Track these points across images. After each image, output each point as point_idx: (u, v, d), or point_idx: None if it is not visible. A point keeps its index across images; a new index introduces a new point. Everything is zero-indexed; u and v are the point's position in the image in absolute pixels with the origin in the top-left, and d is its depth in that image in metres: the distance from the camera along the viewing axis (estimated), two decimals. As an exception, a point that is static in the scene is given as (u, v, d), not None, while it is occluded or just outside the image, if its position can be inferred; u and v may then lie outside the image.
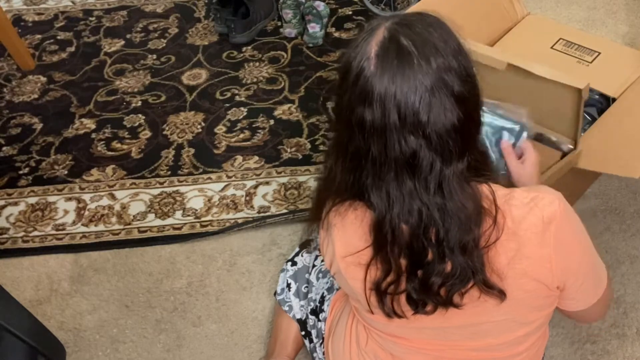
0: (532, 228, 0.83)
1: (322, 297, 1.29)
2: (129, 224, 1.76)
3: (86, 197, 1.84)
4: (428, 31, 0.79)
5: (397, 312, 0.91)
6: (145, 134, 2.02)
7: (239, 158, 1.90)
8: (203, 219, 1.74)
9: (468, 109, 0.80)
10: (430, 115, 0.77)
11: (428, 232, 0.82)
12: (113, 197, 1.83)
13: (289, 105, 2.05)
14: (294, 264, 1.41)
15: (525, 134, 1.11)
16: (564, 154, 1.32)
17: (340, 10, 2.42)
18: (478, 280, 0.84)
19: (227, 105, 2.08)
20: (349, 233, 0.91)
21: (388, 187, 0.81)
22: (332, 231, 0.93)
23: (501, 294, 0.86)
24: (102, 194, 1.84)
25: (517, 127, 1.10)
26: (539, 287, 0.88)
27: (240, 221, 1.72)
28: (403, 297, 0.89)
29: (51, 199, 1.85)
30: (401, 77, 0.77)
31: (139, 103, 2.12)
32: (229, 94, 2.12)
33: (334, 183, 0.89)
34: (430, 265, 0.84)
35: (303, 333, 1.34)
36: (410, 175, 0.80)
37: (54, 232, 1.76)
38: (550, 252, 0.84)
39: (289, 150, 1.91)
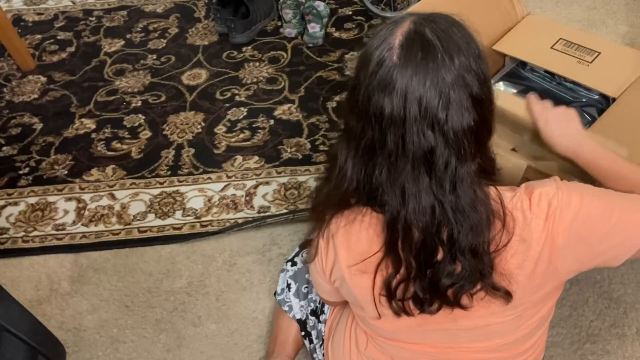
0: (537, 227, 0.83)
1: (322, 298, 1.29)
2: (129, 224, 1.76)
3: (86, 197, 1.84)
4: (452, 30, 0.80)
5: (406, 310, 0.90)
6: (145, 134, 2.02)
7: (239, 158, 1.90)
8: (203, 219, 1.74)
9: (483, 112, 0.81)
10: (449, 112, 0.77)
11: (440, 231, 0.82)
12: (113, 197, 1.83)
13: (289, 105, 2.05)
14: (294, 264, 1.41)
15: None
16: None
17: (340, 10, 2.42)
18: (486, 283, 0.84)
19: (227, 105, 2.08)
20: (354, 241, 0.90)
21: (404, 181, 0.81)
22: (335, 240, 0.92)
23: (507, 296, 0.86)
24: (102, 194, 1.84)
25: None
26: (550, 280, 0.88)
27: (240, 221, 1.72)
28: (411, 297, 0.89)
29: (51, 199, 1.85)
30: (424, 70, 0.77)
31: (139, 103, 2.12)
32: (229, 94, 2.12)
33: (344, 181, 0.88)
34: (440, 265, 0.83)
35: (303, 333, 1.34)
36: (427, 171, 0.80)
37: (54, 232, 1.76)
38: (560, 244, 0.83)
39: (289, 150, 1.91)
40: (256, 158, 1.90)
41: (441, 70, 0.77)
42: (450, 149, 0.78)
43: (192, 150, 1.94)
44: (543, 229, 0.83)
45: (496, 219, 0.82)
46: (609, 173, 0.99)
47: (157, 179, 1.87)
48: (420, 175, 0.80)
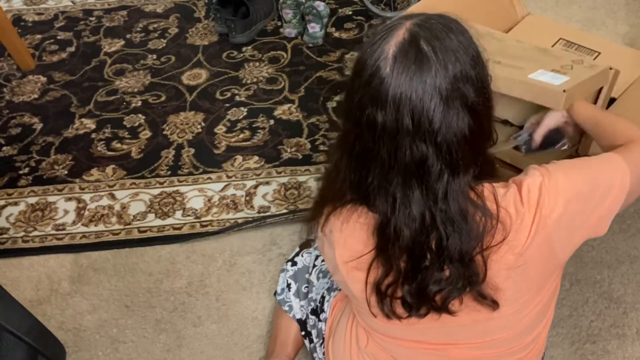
0: (528, 220, 0.83)
1: (323, 297, 1.29)
2: (129, 224, 1.76)
3: (86, 197, 1.84)
4: (449, 37, 0.78)
5: (396, 314, 0.91)
6: (145, 134, 2.02)
7: (239, 158, 1.90)
8: (203, 219, 1.74)
9: (480, 119, 0.80)
10: (443, 123, 0.76)
11: (429, 239, 0.82)
12: (113, 197, 1.83)
13: (289, 105, 2.05)
14: (294, 264, 1.41)
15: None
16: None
17: (340, 10, 2.42)
18: (474, 290, 0.84)
19: (227, 105, 2.08)
20: (350, 238, 0.90)
21: (395, 191, 0.81)
22: (333, 236, 0.92)
23: (494, 304, 0.86)
24: (102, 194, 1.84)
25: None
26: (546, 269, 0.88)
27: (240, 221, 1.72)
28: (399, 300, 0.89)
29: (51, 199, 1.85)
30: (418, 82, 0.76)
31: (139, 103, 2.12)
32: (229, 94, 2.12)
33: (338, 180, 0.88)
34: (429, 271, 0.83)
35: (303, 333, 1.34)
36: (419, 182, 0.79)
37: (54, 232, 1.76)
38: (554, 227, 0.83)
39: (289, 150, 1.91)
40: (256, 158, 1.90)
41: (435, 83, 0.76)
42: (443, 160, 0.78)
43: (192, 150, 1.94)
44: (534, 219, 0.82)
45: (492, 219, 0.82)
46: (605, 123, 1.07)
47: (157, 179, 1.87)
48: (412, 186, 0.80)
